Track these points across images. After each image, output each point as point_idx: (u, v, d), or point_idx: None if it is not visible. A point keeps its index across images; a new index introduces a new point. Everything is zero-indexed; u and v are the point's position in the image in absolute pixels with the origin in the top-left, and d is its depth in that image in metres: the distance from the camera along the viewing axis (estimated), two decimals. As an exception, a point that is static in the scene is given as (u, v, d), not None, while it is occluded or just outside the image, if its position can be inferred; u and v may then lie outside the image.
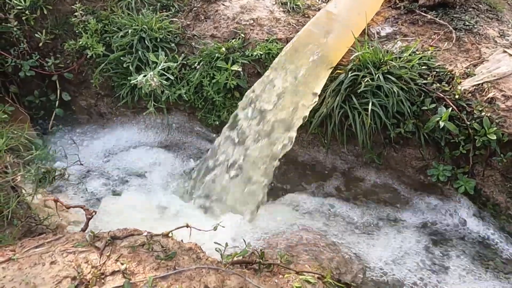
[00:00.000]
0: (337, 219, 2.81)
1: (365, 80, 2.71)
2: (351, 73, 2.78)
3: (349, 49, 2.91)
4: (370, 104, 2.68)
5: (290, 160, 3.09)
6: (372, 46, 2.86)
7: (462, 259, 2.57)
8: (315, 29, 2.94)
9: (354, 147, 3.04)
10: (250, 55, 3.03)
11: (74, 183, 2.88)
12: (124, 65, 3.12)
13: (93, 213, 2.21)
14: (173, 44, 3.18)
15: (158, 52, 3.09)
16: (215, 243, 1.96)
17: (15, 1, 3.03)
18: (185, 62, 3.14)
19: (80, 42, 3.15)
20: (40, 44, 3.18)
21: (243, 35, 3.12)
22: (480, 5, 3.37)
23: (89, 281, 1.58)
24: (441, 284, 2.44)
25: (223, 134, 2.92)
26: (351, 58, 2.85)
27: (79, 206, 2.22)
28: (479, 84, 2.73)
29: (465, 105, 2.68)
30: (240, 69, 3.00)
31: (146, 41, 3.10)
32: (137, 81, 2.94)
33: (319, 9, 3.31)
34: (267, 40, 3.08)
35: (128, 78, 3.09)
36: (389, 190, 3.00)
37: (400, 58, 2.84)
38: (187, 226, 1.96)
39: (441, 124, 2.61)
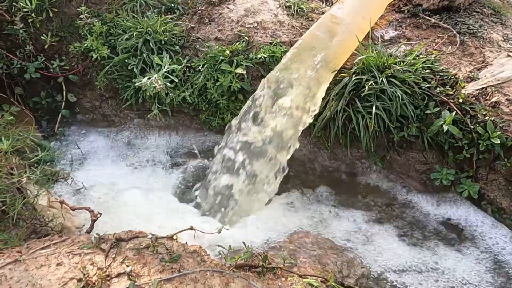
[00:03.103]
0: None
1: (369, 84, 2.71)
2: (355, 76, 2.79)
3: (353, 53, 2.92)
4: (374, 107, 2.69)
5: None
6: (376, 50, 2.87)
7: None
8: (319, 32, 2.94)
9: (357, 150, 3.04)
10: (254, 58, 3.05)
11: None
12: (129, 68, 3.14)
13: (98, 215, 2.21)
14: (177, 47, 3.19)
15: (163, 55, 3.11)
16: (219, 245, 1.98)
17: (22, 4, 3.04)
18: (189, 65, 3.15)
19: (85, 45, 3.16)
20: (46, 46, 3.20)
21: (247, 38, 3.13)
22: (484, 9, 3.37)
23: (94, 283, 1.59)
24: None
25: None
26: (355, 61, 2.85)
27: (84, 208, 2.23)
28: (483, 88, 2.74)
29: (469, 109, 2.68)
30: (244, 72, 3.01)
31: (150, 44, 3.12)
32: (141, 83, 2.96)
33: (323, 13, 3.32)
34: (271, 43, 3.10)
35: (133, 80, 3.11)
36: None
37: (403, 61, 2.85)
38: (191, 228, 1.96)
39: (445, 128, 2.62)
